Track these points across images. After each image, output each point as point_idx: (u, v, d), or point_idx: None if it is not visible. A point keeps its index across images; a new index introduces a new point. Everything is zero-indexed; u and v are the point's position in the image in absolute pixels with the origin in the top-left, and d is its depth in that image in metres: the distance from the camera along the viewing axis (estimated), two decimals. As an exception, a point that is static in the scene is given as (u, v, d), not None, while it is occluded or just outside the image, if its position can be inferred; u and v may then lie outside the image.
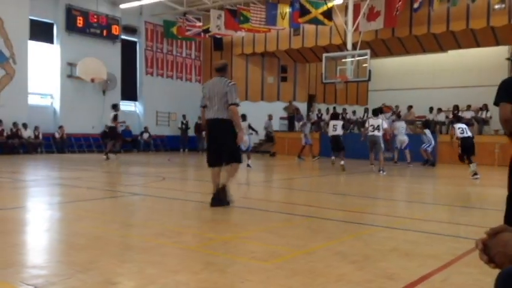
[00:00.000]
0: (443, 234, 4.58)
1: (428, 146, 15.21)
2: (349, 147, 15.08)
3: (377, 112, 12.65)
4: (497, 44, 18.97)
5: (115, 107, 15.84)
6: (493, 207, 6.91)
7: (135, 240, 4.17)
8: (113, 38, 21.08)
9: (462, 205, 6.94)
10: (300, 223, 5.12)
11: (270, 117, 19.00)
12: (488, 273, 3.21)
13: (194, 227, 4.77)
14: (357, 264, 3.37)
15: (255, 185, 9.50)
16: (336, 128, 13.40)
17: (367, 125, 12.58)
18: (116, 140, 16.09)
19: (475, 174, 10.58)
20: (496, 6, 15.93)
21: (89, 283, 2.81)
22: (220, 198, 5.87)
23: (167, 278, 2.93)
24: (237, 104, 5.84)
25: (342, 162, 12.75)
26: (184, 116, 23.08)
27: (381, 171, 11.75)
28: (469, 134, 11.12)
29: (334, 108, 21.49)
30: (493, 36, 17.90)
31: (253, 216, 5.61)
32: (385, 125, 12.53)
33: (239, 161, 6.05)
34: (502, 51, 21.44)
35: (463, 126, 11.29)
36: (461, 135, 10.95)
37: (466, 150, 10.89)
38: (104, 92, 20.82)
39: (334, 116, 14.32)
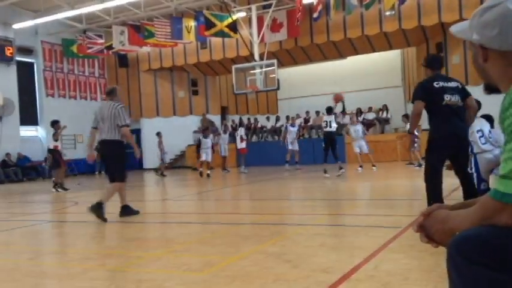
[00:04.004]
0: (363, 225, 4.80)
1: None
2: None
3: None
4: (391, 48, 20.45)
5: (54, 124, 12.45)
6: (403, 197, 7.39)
7: (56, 268, 3.86)
8: (6, 60, 19.56)
9: (376, 198, 7.33)
10: (228, 231, 5.07)
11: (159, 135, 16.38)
12: (414, 257, 3.42)
13: (119, 248, 4.53)
14: (291, 262, 3.41)
15: (180, 199, 9.27)
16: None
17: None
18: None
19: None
20: (387, 13, 17.19)
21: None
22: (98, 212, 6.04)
23: (99, 301, 2.74)
24: (127, 125, 6.23)
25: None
26: (92, 137, 22.02)
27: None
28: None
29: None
30: (386, 41, 19.29)
31: (181, 230, 5.46)
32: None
33: (121, 180, 6.28)
34: (395, 55, 23.24)
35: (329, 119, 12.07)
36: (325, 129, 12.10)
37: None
38: (0, 118, 19.26)
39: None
